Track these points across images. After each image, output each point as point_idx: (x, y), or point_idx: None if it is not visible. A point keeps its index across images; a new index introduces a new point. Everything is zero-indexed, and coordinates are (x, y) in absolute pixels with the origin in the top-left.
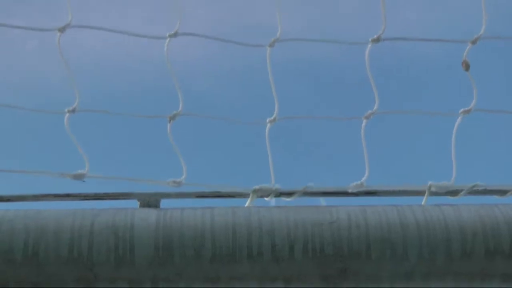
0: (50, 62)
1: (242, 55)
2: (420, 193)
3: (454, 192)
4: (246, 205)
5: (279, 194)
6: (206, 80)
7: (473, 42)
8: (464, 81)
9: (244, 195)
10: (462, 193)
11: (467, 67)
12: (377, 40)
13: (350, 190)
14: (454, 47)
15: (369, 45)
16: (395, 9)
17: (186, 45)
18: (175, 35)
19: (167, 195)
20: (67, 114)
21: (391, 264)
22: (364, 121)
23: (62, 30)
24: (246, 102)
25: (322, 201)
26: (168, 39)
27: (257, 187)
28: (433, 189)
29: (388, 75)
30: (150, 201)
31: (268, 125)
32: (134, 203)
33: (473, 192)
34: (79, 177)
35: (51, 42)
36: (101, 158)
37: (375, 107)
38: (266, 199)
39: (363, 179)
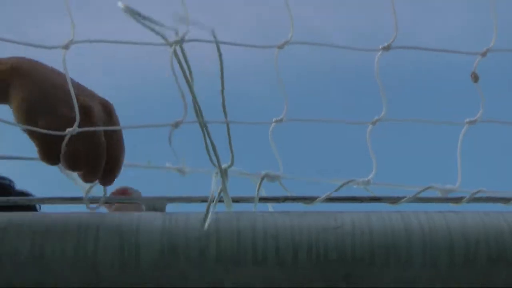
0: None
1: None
2: (424, 200)
3: (457, 200)
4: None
5: (284, 199)
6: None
7: (483, 55)
8: (483, 88)
9: (248, 200)
10: (464, 200)
11: (476, 79)
12: (387, 48)
13: (356, 186)
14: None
15: (379, 53)
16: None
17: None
18: (180, 41)
19: (173, 200)
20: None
21: (395, 270)
22: (370, 126)
23: (66, 47)
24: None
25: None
26: (173, 46)
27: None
28: (435, 191)
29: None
30: (155, 205)
31: (273, 124)
32: None
33: (476, 199)
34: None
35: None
36: None
37: (382, 114)
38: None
39: (370, 176)
